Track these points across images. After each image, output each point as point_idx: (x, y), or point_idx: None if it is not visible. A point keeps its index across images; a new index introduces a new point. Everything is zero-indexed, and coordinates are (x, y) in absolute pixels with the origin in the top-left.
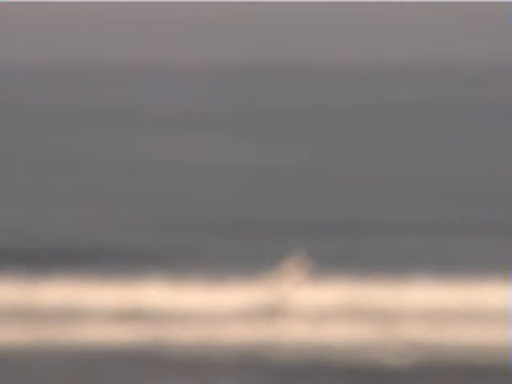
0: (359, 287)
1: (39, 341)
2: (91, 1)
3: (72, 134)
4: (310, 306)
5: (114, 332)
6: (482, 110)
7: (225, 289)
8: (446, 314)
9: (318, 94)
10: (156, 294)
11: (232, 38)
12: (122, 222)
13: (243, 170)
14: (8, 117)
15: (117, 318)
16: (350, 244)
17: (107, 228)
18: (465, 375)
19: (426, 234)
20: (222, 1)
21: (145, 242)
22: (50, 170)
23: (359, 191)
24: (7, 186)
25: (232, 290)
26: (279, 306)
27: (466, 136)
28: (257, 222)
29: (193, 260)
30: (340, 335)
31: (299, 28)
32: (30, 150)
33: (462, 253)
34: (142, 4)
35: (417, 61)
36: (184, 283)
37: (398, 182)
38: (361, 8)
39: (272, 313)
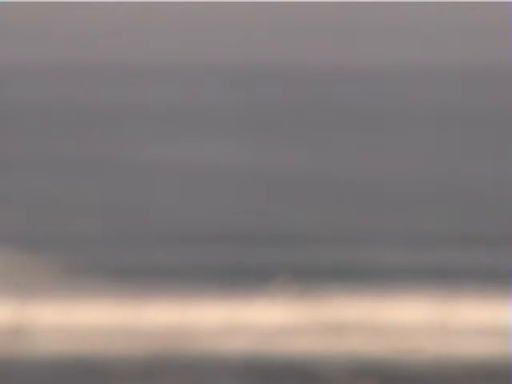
0: (355, 300)
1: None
2: (91, 1)
3: (72, 135)
4: (303, 320)
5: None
6: (482, 111)
7: (233, 302)
8: (445, 327)
9: (318, 95)
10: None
11: (232, 38)
12: (122, 231)
13: (242, 173)
14: (7, 117)
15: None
16: (348, 256)
17: (106, 237)
18: None
19: (424, 245)
20: (222, 1)
21: (144, 253)
22: (49, 172)
23: (359, 197)
24: (6, 190)
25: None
26: (288, 320)
27: (467, 138)
28: (254, 230)
29: (200, 273)
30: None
31: (299, 28)
32: (30, 151)
33: (459, 265)
34: (142, 4)
35: (416, 61)
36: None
37: (398, 187)
38: (361, 8)
39: (283, 327)
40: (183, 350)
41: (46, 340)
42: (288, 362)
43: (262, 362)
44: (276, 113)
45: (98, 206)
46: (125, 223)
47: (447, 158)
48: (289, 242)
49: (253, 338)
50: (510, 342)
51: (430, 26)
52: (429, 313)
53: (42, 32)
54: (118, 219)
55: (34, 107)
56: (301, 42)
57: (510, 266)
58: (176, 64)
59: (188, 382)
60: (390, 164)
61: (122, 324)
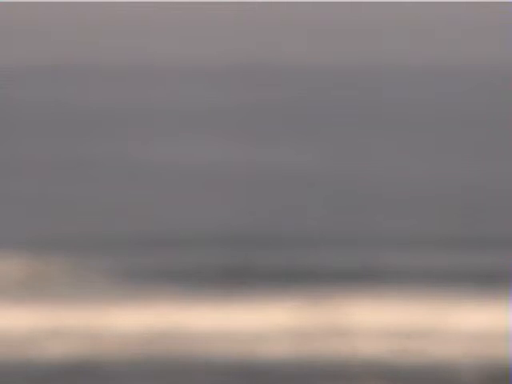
0: (356, 302)
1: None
2: (92, 0)
3: (72, 135)
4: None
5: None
6: (481, 111)
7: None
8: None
9: (317, 94)
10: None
11: (232, 37)
12: (121, 232)
13: (242, 174)
14: (8, 117)
15: None
16: (349, 257)
17: (104, 238)
18: None
19: (425, 247)
20: (222, 1)
21: (142, 255)
22: (50, 173)
23: (360, 198)
24: (7, 191)
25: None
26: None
27: (467, 139)
28: (254, 232)
29: (202, 276)
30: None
31: (299, 28)
32: (30, 152)
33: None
34: (141, 4)
35: (416, 61)
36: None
37: (399, 188)
38: (360, 8)
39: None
40: (181, 352)
41: (44, 343)
42: (290, 364)
43: (262, 365)
44: (275, 113)
45: (98, 206)
46: (124, 224)
47: (448, 159)
48: (290, 243)
49: (253, 340)
50: (510, 345)
51: (430, 25)
52: (429, 314)
53: (41, 32)
54: (117, 220)
55: (34, 107)
56: (301, 42)
57: (510, 268)
58: (176, 64)
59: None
60: (390, 165)
61: (119, 325)
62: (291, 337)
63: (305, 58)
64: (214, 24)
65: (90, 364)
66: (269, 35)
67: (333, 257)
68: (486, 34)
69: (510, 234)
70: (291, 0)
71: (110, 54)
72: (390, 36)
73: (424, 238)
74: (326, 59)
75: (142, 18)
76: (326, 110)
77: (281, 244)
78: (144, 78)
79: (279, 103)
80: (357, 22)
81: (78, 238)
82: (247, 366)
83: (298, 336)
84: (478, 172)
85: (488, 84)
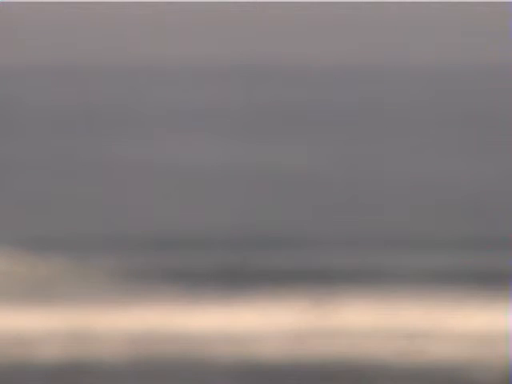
0: (356, 303)
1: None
2: (91, 0)
3: (72, 135)
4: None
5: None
6: (482, 111)
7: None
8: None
9: (318, 94)
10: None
11: (232, 38)
12: (121, 233)
13: (242, 173)
14: (7, 117)
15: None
16: (349, 258)
17: (108, 237)
18: None
19: (424, 248)
20: (222, 1)
21: (142, 255)
22: (50, 173)
23: (360, 198)
24: (6, 190)
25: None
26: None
27: (466, 138)
28: (254, 232)
29: (204, 277)
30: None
31: (299, 28)
32: (30, 151)
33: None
34: (141, 4)
35: (416, 60)
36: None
37: (397, 188)
38: (360, 8)
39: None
40: (181, 352)
41: (43, 343)
42: (290, 364)
43: (262, 365)
44: (276, 113)
45: (98, 206)
46: (124, 224)
47: (449, 159)
48: (290, 243)
49: (253, 340)
50: (510, 345)
51: (430, 25)
52: (429, 314)
53: (41, 32)
54: (117, 220)
55: (34, 107)
56: (301, 42)
57: (510, 268)
58: (176, 64)
59: None
60: (388, 165)
61: (119, 326)
62: (292, 337)
63: (305, 58)
64: (215, 24)
65: (89, 364)
66: (269, 35)
67: (333, 257)
68: (487, 34)
69: (510, 234)
70: (291, 0)
71: (110, 54)
72: (390, 36)
73: (424, 237)
74: (326, 59)
75: (142, 18)
76: (327, 110)
77: (281, 244)
78: (144, 78)
79: (280, 103)
80: (357, 22)
81: (78, 237)
82: (247, 366)
83: (299, 336)
84: (478, 172)
85: (489, 84)
